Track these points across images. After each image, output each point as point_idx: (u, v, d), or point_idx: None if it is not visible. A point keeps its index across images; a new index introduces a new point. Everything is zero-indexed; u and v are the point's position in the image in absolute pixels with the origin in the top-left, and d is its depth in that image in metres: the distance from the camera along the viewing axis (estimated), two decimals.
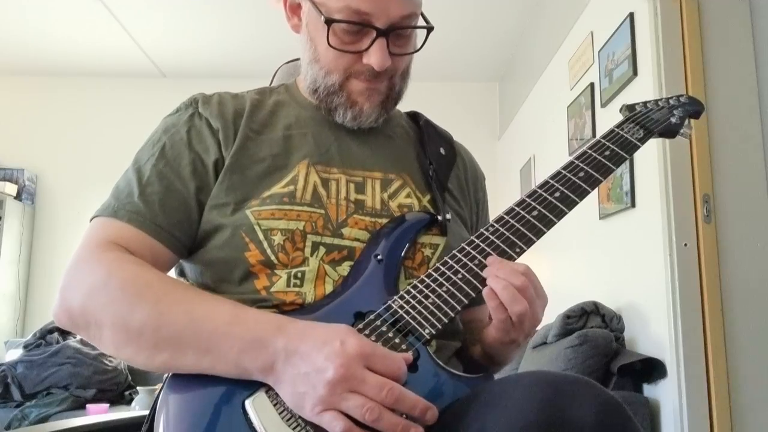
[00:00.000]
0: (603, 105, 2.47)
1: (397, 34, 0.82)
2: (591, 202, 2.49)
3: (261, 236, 0.77)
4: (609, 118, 2.40)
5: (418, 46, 0.88)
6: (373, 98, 0.85)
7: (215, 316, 0.67)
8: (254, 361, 0.63)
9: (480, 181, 1.01)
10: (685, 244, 1.91)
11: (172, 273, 0.85)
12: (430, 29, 0.86)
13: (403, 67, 0.87)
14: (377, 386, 0.59)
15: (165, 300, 0.69)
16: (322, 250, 0.78)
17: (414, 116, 1.00)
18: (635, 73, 2.19)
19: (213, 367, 0.65)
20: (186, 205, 0.80)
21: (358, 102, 0.85)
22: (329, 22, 0.79)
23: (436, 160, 0.91)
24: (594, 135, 2.54)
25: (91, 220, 0.81)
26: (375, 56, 0.80)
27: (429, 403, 0.61)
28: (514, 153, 4.00)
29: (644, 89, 2.11)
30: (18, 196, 4.27)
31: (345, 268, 0.78)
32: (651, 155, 2.00)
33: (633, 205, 2.19)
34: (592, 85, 2.60)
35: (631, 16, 2.24)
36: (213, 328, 0.66)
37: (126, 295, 0.69)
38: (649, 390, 2.03)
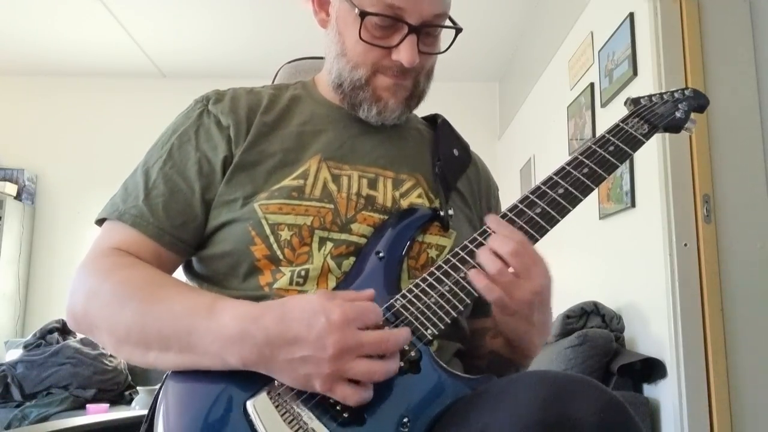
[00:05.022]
0: (603, 105, 2.47)
1: (427, 32, 0.83)
2: (591, 202, 2.49)
3: (268, 231, 0.77)
4: (609, 118, 2.40)
5: (444, 48, 0.88)
6: (398, 94, 0.85)
7: (195, 311, 0.67)
8: (236, 355, 0.63)
9: (493, 190, 1.00)
10: (685, 244, 1.91)
11: (179, 268, 0.86)
12: (458, 30, 0.86)
13: (428, 67, 0.88)
14: (375, 343, 0.62)
15: (150, 299, 0.70)
16: (329, 245, 0.78)
17: (432, 119, 1.00)
18: (635, 73, 2.19)
19: (197, 362, 0.66)
20: (191, 206, 0.80)
21: (384, 97, 0.85)
22: (363, 14, 0.80)
23: (446, 159, 0.91)
24: (594, 135, 2.54)
25: (98, 218, 0.83)
26: (405, 52, 0.80)
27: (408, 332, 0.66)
28: (514, 153, 4.00)
29: (644, 89, 2.11)
30: (18, 196, 4.27)
31: (351, 263, 0.78)
32: (651, 155, 2.00)
33: (633, 205, 2.19)
34: (592, 85, 2.60)
35: (631, 16, 2.24)
36: (192, 324, 0.66)
37: (116, 297, 0.71)
38: (649, 390, 2.03)
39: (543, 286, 0.72)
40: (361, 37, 0.81)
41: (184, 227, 0.80)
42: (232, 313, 0.66)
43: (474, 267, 0.72)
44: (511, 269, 0.70)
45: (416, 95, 0.88)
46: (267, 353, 0.62)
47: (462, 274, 0.73)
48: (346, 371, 0.60)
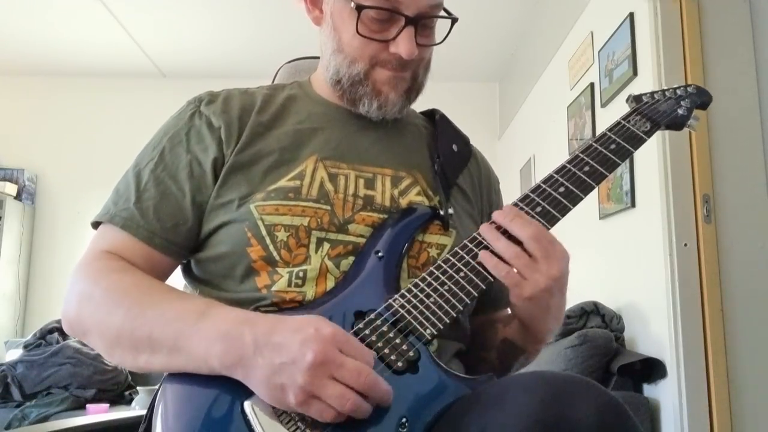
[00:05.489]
0: (603, 105, 2.47)
1: (424, 24, 0.82)
2: (591, 202, 2.49)
3: (264, 232, 0.76)
4: (609, 118, 2.39)
5: (440, 39, 0.87)
6: (398, 87, 0.85)
7: (185, 314, 0.67)
8: (220, 356, 0.63)
9: (494, 184, 1.00)
10: (685, 244, 1.91)
11: (177, 272, 0.85)
12: (454, 20, 0.85)
13: (426, 59, 0.87)
14: (355, 370, 0.59)
15: (140, 303, 0.70)
16: (326, 245, 0.77)
17: (430, 114, 0.99)
18: (635, 73, 2.19)
19: (185, 365, 0.66)
20: (181, 209, 0.80)
21: (383, 91, 0.84)
22: (360, 8, 0.79)
23: (446, 155, 0.90)
24: (594, 135, 2.54)
25: (92, 223, 0.83)
26: (404, 45, 0.80)
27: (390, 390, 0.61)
28: (514, 153, 4.00)
29: (644, 89, 2.09)
30: (18, 196, 4.27)
31: (349, 263, 0.77)
32: (651, 155, 2.00)
33: (633, 205, 2.19)
34: (592, 85, 2.60)
35: (631, 16, 2.24)
36: (182, 327, 0.66)
37: (105, 302, 0.72)
38: (649, 390, 2.03)
39: (562, 271, 0.71)
40: (358, 31, 0.80)
41: (175, 230, 0.79)
42: (225, 316, 0.66)
43: (485, 248, 0.72)
44: (528, 253, 0.71)
45: (415, 88, 0.88)
46: (249, 353, 0.61)
47: (462, 274, 0.72)
48: (319, 388, 0.58)
